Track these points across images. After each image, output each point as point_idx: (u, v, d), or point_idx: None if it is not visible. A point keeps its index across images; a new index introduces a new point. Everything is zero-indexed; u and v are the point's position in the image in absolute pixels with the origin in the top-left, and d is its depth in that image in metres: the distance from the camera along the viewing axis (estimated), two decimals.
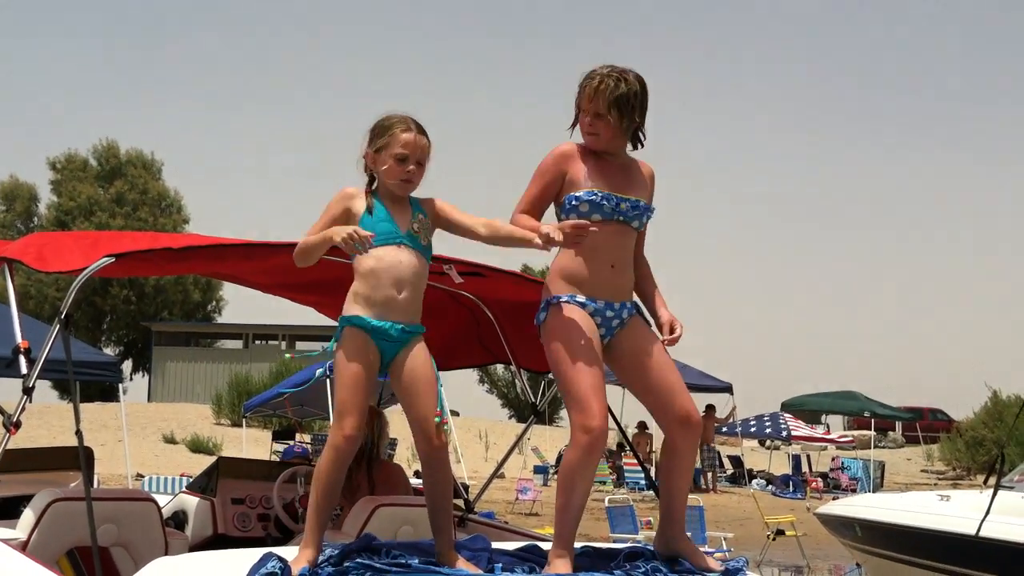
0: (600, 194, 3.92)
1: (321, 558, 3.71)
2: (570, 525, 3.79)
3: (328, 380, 15.34)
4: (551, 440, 28.85)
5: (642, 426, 24.07)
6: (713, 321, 61.56)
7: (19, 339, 4.55)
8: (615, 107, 3.93)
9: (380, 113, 4.02)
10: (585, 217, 3.91)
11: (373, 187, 4.01)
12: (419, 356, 3.92)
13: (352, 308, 3.89)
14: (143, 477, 18.39)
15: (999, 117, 62.05)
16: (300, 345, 42.13)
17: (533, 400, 7.15)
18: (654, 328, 4.11)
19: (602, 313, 3.93)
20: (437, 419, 3.86)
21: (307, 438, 24.25)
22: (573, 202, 3.94)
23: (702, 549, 4.45)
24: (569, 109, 4.08)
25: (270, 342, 43.14)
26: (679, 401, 3.91)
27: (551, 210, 4.10)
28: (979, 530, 8.61)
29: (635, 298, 4.12)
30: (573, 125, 4.08)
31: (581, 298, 3.91)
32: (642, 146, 4.11)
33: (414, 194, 4.03)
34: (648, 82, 4.05)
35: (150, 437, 28.48)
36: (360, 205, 3.93)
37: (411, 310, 3.93)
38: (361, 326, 3.85)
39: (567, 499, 3.78)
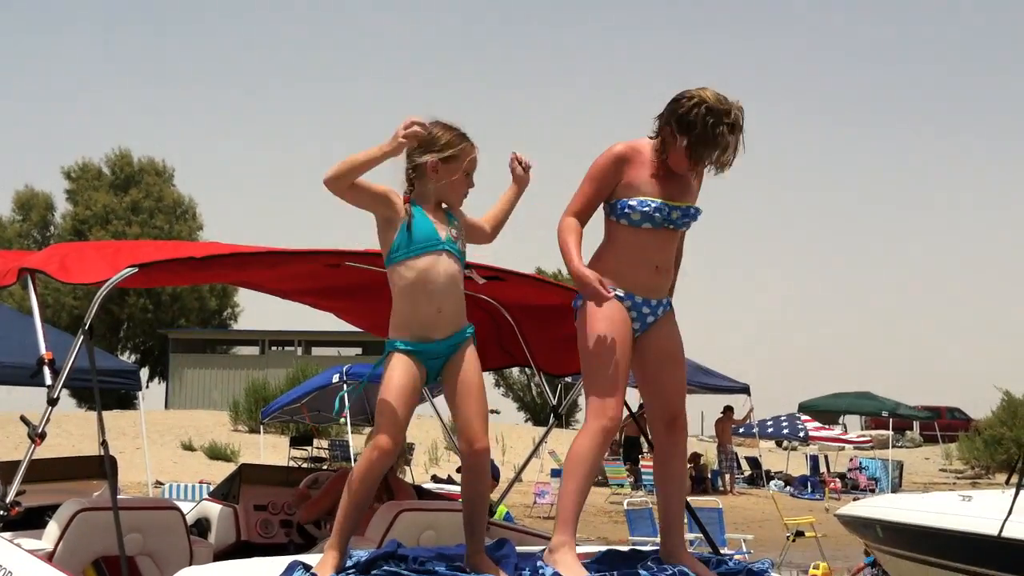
0: (654, 204, 3.89)
1: (348, 564, 3.72)
2: (576, 509, 3.83)
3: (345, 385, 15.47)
4: (568, 443, 28.62)
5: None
6: (731, 322, 61.50)
7: (43, 350, 4.56)
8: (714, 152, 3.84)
9: (432, 117, 3.93)
10: (635, 225, 3.91)
11: (412, 193, 3.93)
12: (468, 361, 3.92)
13: (396, 332, 3.90)
14: (162, 485, 18.42)
15: (1013, 113, 61.84)
16: (316, 351, 42.19)
17: (553, 403, 7.04)
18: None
19: (639, 308, 3.94)
20: None
21: (325, 444, 24.30)
22: (625, 209, 3.91)
23: (723, 551, 4.47)
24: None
25: (286, 348, 43.18)
26: (671, 403, 3.96)
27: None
28: (1002, 530, 8.55)
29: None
30: (657, 136, 3.94)
31: (620, 291, 3.91)
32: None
33: None
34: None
35: (168, 444, 28.53)
36: (401, 202, 3.88)
37: (455, 321, 3.92)
38: (406, 351, 3.86)
39: (575, 484, 3.82)
